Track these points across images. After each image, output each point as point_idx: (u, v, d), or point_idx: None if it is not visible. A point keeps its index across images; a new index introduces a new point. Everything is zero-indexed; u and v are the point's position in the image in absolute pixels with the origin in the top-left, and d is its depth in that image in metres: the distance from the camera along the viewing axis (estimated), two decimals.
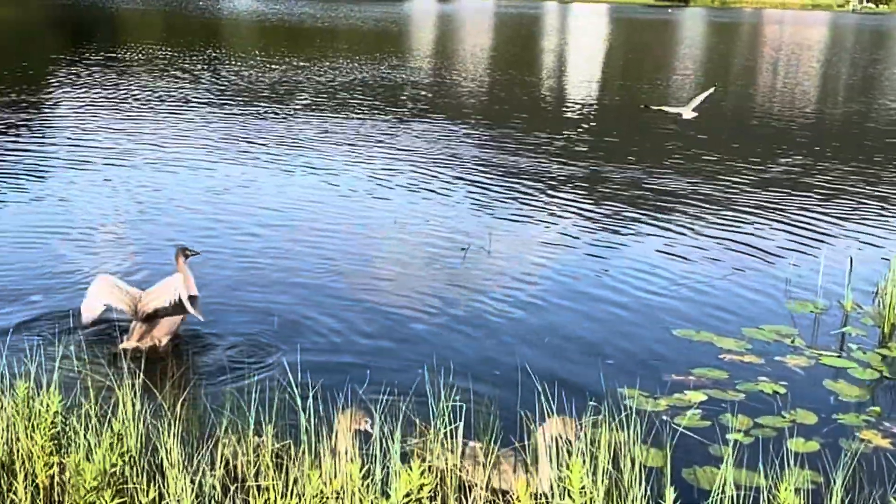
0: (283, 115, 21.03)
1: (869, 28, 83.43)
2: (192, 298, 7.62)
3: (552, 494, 5.14)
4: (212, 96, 23.51)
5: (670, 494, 5.32)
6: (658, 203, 13.95)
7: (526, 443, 5.81)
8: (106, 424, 5.37)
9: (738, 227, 12.73)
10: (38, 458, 5.25)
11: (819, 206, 14.20)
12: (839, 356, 8.35)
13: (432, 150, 17.41)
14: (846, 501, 5.32)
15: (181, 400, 5.72)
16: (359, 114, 21.59)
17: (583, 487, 4.90)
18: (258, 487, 5.05)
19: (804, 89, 32.77)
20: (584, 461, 5.06)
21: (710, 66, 41.46)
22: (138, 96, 22.80)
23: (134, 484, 5.13)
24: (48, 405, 5.35)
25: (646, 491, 5.33)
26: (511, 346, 8.22)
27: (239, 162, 15.78)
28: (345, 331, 8.40)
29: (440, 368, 6.75)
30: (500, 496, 5.17)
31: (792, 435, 6.72)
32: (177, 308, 7.50)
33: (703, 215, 13.27)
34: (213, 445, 5.38)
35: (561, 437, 5.43)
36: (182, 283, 7.57)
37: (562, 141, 19.36)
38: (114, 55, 32.61)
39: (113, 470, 5.07)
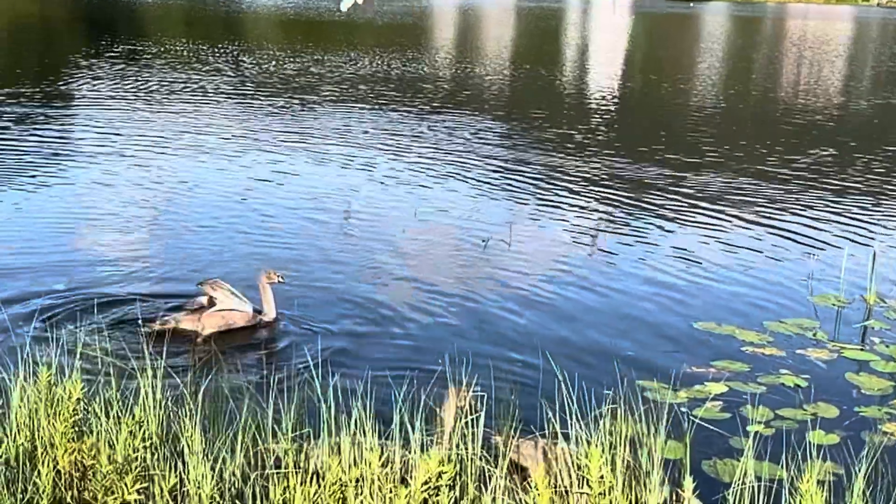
0: (305, 108, 21.07)
1: (894, 23, 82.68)
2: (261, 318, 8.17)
3: (570, 483, 5.12)
4: (233, 89, 23.59)
5: (689, 485, 5.30)
6: (679, 197, 13.88)
7: (546, 432, 5.81)
8: (127, 411, 5.40)
9: (761, 220, 12.66)
10: (60, 444, 5.28)
11: (842, 200, 14.10)
12: (861, 349, 8.29)
13: (452, 143, 17.40)
14: (867, 494, 5.28)
15: (202, 388, 5.73)
16: (379, 106, 21.61)
17: (601, 477, 4.89)
18: (278, 475, 5.06)
19: (828, 84, 32.53)
20: (602, 451, 5.04)
21: (733, 61, 41.21)
22: (160, 89, 22.90)
23: (155, 470, 5.15)
24: (70, 392, 5.38)
25: (664, 481, 5.32)
26: (531, 336, 8.21)
27: (260, 153, 15.83)
28: (365, 319, 8.42)
29: (460, 358, 6.74)
30: (519, 484, 5.16)
31: (813, 427, 6.68)
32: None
33: (725, 209, 13.20)
34: (234, 433, 5.39)
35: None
36: (241, 317, 8.09)
37: (583, 135, 19.30)
38: (135, 48, 32.76)
39: (134, 456, 5.10)
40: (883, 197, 14.39)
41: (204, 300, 8.10)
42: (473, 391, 5.72)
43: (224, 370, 7.13)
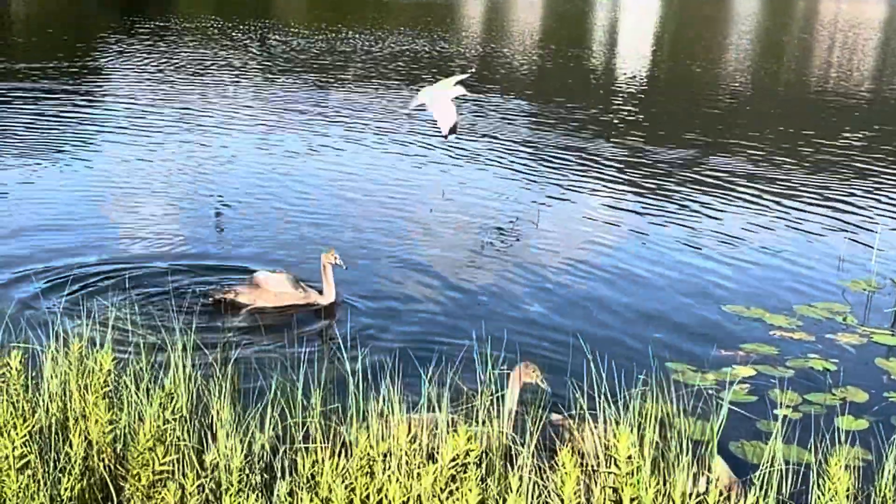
0: (332, 86, 21.07)
1: None
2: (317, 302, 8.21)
3: (598, 463, 5.12)
4: (261, 66, 23.62)
5: (717, 467, 5.29)
6: (710, 180, 13.78)
7: (574, 412, 5.81)
8: (157, 384, 5.45)
9: (792, 204, 12.55)
10: (92, 415, 5.33)
11: (874, 184, 13.95)
12: (892, 334, 8.22)
13: (480, 123, 17.35)
14: None
15: (231, 361, 5.78)
16: (407, 85, 21.56)
17: (629, 457, 4.88)
18: (306, 449, 5.09)
19: (861, 68, 32.13)
20: (631, 431, 5.03)
21: (764, 43, 40.77)
22: (188, 66, 22.96)
23: (185, 442, 5.20)
24: (101, 364, 5.42)
25: (692, 463, 5.30)
26: (560, 317, 8.20)
27: (288, 130, 15.86)
28: (393, 298, 8.44)
29: (488, 337, 6.75)
30: (547, 463, 5.16)
31: (842, 412, 6.64)
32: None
33: (756, 193, 13.10)
34: (263, 407, 5.42)
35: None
36: (294, 296, 8.16)
37: (612, 117, 19.19)
38: (164, 25, 32.84)
39: (164, 428, 5.14)
40: None
41: (263, 277, 8.13)
42: (500, 370, 5.73)
43: (253, 344, 7.18)
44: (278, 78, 21.90)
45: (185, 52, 25.46)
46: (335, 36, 31.51)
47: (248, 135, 15.49)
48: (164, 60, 23.73)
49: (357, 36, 31.80)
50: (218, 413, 5.24)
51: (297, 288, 8.13)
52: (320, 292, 8.16)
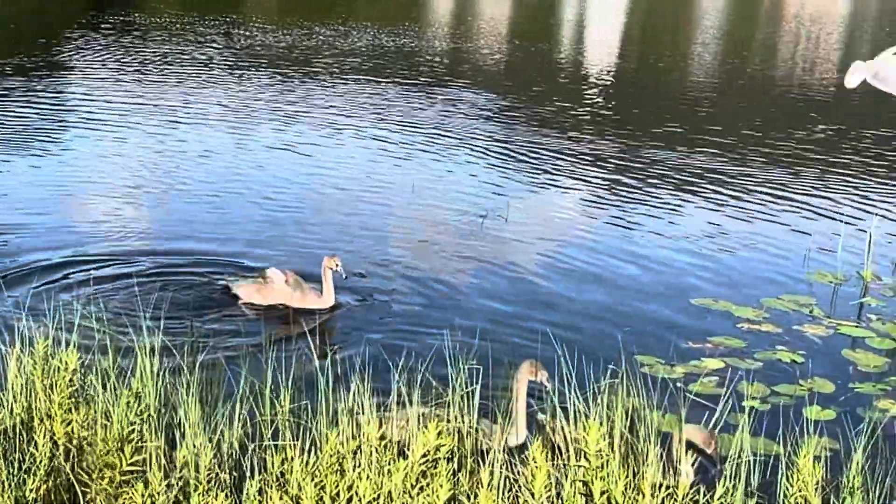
0: (299, 80, 20.96)
1: (892, 1, 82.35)
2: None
3: (568, 456, 5.13)
4: (228, 60, 23.43)
5: (686, 459, 5.32)
6: (677, 174, 13.86)
7: (545, 405, 5.82)
8: (124, 383, 5.39)
9: (759, 198, 12.65)
10: (57, 415, 5.27)
11: (839, 177, 14.09)
12: (858, 326, 8.31)
13: (450, 119, 17.33)
14: (864, 469, 5.29)
15: (199, 360, 5.73)
16: (374, 80, 21.49)
17: (599, 450, 4.89)
18: (276, 446, 5.06)
19: (825, 63, 32.43)
20: (600, 424, 5.05)
21: (730, 37, 41.05)
22: (155, 60, 22.74)
23: (152, 442, 5.15)
24: (67, 363, 5.36)
25: (661, 455, 5.33)
26: (529, 311, 8.21)
27: (254, 125, 15.76)
28: (363, 293, 8.40)
29: (458, 332, 6.75)
30: (517, 457, 5.17)
31: (809, 403, 6.71)
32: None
33: (723, 187, 13.19)
34: (231, 405, 5.38)
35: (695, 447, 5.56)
36: (290, 297, 8.07)
37: (580, 112, 19.24)
38: (129, 19, 32.51)
39: (131, 428, 5.09)
40: (880, 175, 14.39)
41: (271, 274, 8.06)
42: (469, 366, 5.72)
43: (222, 342, 7.12)
44: (246, 73, 21.75)
45: (152, 48, 25.22)
46: (303, 31, 31.32)
47: (215, 130, 15.38)
48: (130, 55, 23.49)
49: (325, 31, 31.65)
50: (186, 412, 5.19)
51: (298, 289, 8.04)
52: (320, 294, 8.09)
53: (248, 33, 29.96)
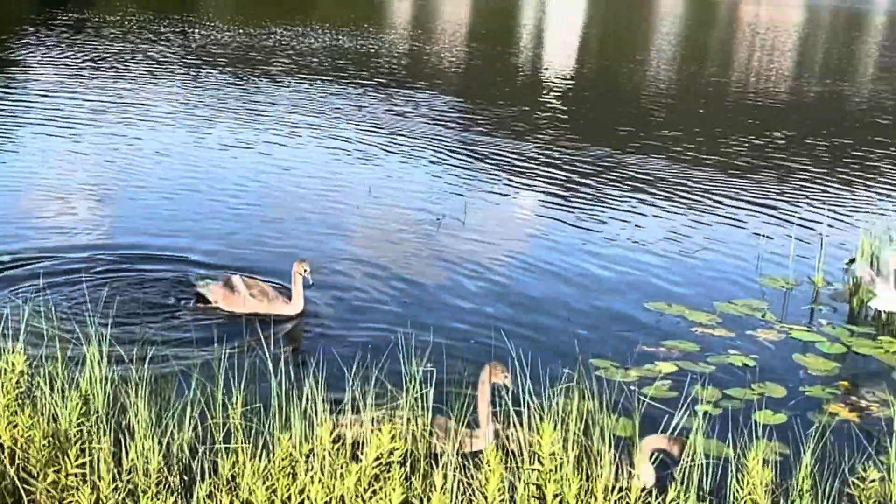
0: (255, 81, 20.81)
1: (844, 11, 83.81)
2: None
3: (522, 460, 5.13)
4: (183, 59, 23.21)
5: (639, 462, 5.34)
6: (633, 180, 13.95)
7: (499, 408, 5.81)
8: (72, 384, 5.30)
9: (713, 203, 12.77)
10: (3, 417, 5.17)
11: (793, 184, 14.27)
12: (808, 330, 8.41)
13: (408, 120, 17.31)
14: (813, 472, 5.35)
15: (149, 361, 5.65)
16: (331, 82, 21.40)
17: (553, 453, 4.90)
18: (227, 450, 5.00)
19: (779, 70, 32.88)
20: (554, 428, 5.05)
21: (687, 45, 41.48)
22: (109, 58, 22.45)
23: (100, 445, 5.06)
24: (14, 364, 5.26)
25: (615, 458, 5.35)
26: (485, 314, 8.21)
27: (211, 125, 15.61)
28: (317, 296, 8.34)
29: (412, 335, 6.72)
30: (471, 460, 5.15)
31: (760, 407, 6.76)
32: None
33: (678, 193, 13.30)
34: (182, 407, 5.31)
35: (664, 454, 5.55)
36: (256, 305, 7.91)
37: (538, 115, 19.31)
38: (83, 17, 32.09)
39: (78, 430, 5.00)
40: (831, 181, 14.59)
41: (236, 281, 7.93)
42: (424, 368, 5.70)
43: (173, 343, 7.03)
44: (203, 72, 21.55)
45: (107, 46, 24.90)
46: (260, 31, 31.12)
47: (171, 129, 15.21)
48: (84, 53, 23.17)
49: (282, 31, 31.47)
50: (135, 414, 5.11)
51: (265, 298, 7.89)
52: (289, 299, 7.97)
53: (204, 33, 29.71)
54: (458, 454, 5.09)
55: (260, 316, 7.78)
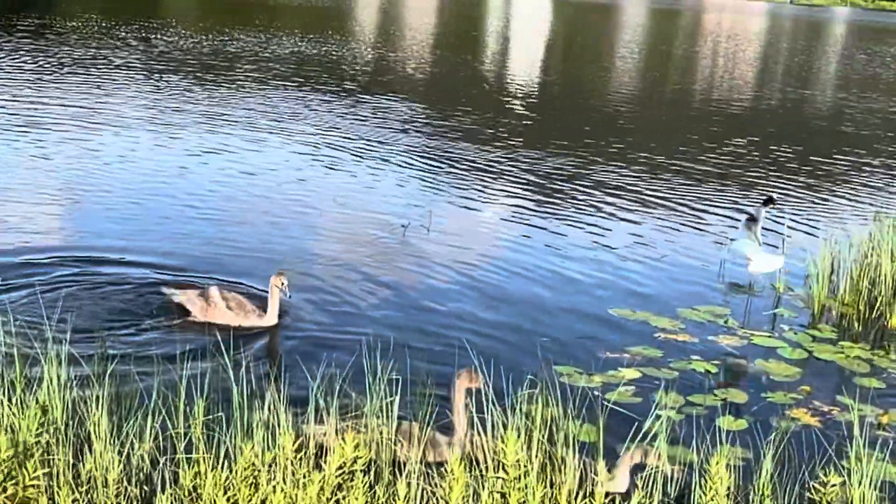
0: (222, 88, 20.69)
1: (805, 19, 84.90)
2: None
3: (486, 468, 5.13)
4: (149, 66, 23.03)
5: (603, 468, 5.35)
6: (598, 187, 14.02)
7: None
8: (31, 395, 5.22)
9: (676, 210, 12.87)
10: None
11: (756, 190, 14.41)
12: (770, 336, 8.48)
13: (373, 129, 17.28)
14: (775, 477, 5.40)
15: (109, 371, 5.57)
16: (299, 89, 21.34)
17: (517, 461, 4.90)
18: (188, 460, 4.95)
19: (742, 78, 33.23)
20: (519, 435, 5.05)
21: (650, 54, 41.82)
22: (72, 64, 22.23)
23: (59, 456, 4.99)
24: None
25: (579, 465, 5.36)
26: (449, 322, 8.19)
27: (176, 132, 15.49)
28: (281, 304, 8.28)
29: (377, 343, 6.70)
30: (435, 469, 5.14)
31: (723, 413, 6.81)
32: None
33: (641, 200, 13.38)
34: (143, 417, 5.25)
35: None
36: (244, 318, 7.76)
37: (502, 123, 19.37)
38: (44, 23, 31.76)
39: (36, 441, 4.93)
40: (792, 188, 14.75)
41: (213, 293, 7.82)
42: (389, 377, 5.68)
43: (133, 353, 6.94)
44: (166, 79, 21.40)
45: (69, 52, 24.65)
46: (224, 38, 30.98)
47: (135, 135, 15.06)
48: (46, 59, 22.91)
49: (246, 38, 31.34)
50: (94, 424, 5.05)
51: (241, 310, 7.76)
52: (263, 313, 7.85)
53: (168, 39, 29.51)
54: (428, 462, 5.07)
55: (235, 328, 7.66)
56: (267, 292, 7.83)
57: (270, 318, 7.74)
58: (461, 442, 5.73)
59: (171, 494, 4.70)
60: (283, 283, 7.64)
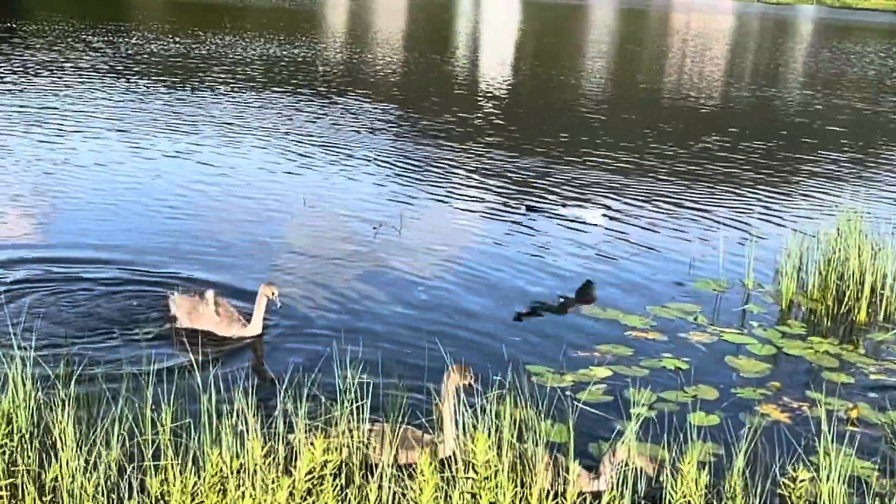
0: (190, 91, 20.55)
1: (772, 18, 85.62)
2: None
3: (457, 469, 5.11)
4: (116, 69, 22.83)
5: (574, 467, 5.35)
6: (568, 185, 14.05)
7: (433, 417, 5.78)
8: None
9: (646, 209, 12.91)
10: None
11: (723, 188, 14.49)
12: (740, 333, 8.52)
13: (343, 131, 17.23)
14: (746, 473, 5.42)
15: (75, 378, 5.51)
16: (268, 91, 21.24)
17: (487, 461, 4.88)
18: (156, 467, 4.90)
19: (710, 77, 33.43)
20: (489, 435, 5.04)
21: (619, 54, 42.00)
22: (38, 67, 21.99)
23: (25, 465, 4.93)
24: None
25: (550, 464, 5.35)
26: (419, 323, 8.17)
27: (145, 135, 15.35)
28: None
29: (347, 345, 6.67)
30: (405, 471, 5.11)
31: (693, 409, 6.83)
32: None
33: (611, 199, 13.41)
34: (110, 424, 5.19)
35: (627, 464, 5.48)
36: (225, 325, 7.64)
37: (473, 124, 19.36)
38: (11, 26, 31.41)
39: (1, 450, 4.86)
40: (761, 185, 14.85)
41: (208, 298, 7.73)
42: (358, 380, 5.65)
43: (99, 359, 6.86)
44: (135, 81, 21.22)
45: (33, 55, 24.39)
46: (192, 40, 30.78)
47: (104, 139, 14.92)
48: (10, 62, 22.65)
49: (215, 40, 31.16)
50: (61, 432, 4.99)
51: (226, 317, 7.64)
52: (247, 323, 7.73)
53: (135, 42, 29.28)
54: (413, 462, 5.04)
55: (219, 336, 7.55)
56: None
57: (254, 328, 7.63)
58: (451, 440, 5.68)
59: (139, 502, 4.66)
60: (273, 293, 7.52)
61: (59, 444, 4.97)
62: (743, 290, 9.66)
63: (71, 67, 22.64)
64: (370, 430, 5.59)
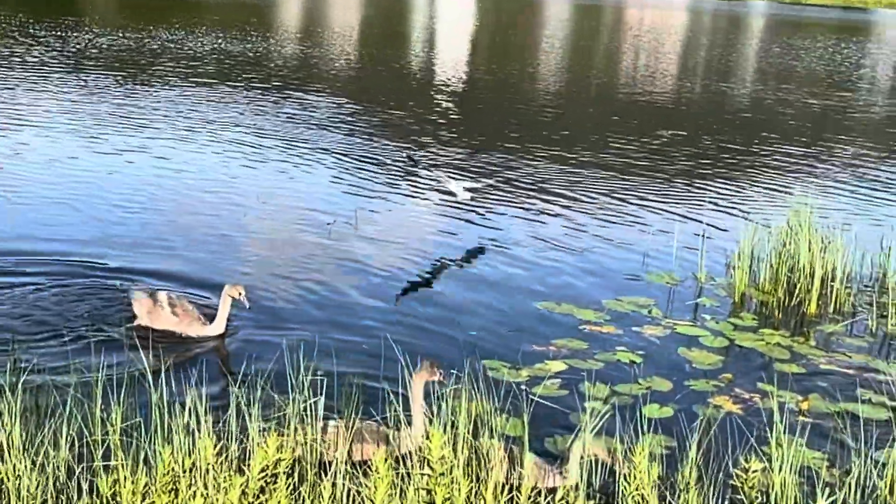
0: (143, 86, 20.28)
1: (724, 14, 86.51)
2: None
3: (412, 465, 5.09)
4: (66, 64, 22.47)
5: (529, 461, 5.36)
6: (523, 181, 14.08)
7: (388, 415, 5.76)
8: None
9: (598, 203, 12.98)
10: None
11: (675, 183, 14.62)
12: (693, 325, 8.60)
13: (297, 126, 17.11)
14: (699, 464, 5.46)
15: (22, 377, 5.40)
16: (222, 86, 21.02)
17: (442, 457, 4.87)
18: (106, 467, 4.83)
19: (664, 72, 33.70)
20: (444, 431, 5.03)
21: (573, 49, 42.19)
22: None
23: None
24: None
25: (505, 459, 5.35)
26: (374, 319, 8.14)
27: (93, 134, 15.13)
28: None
29: (300, 342, 6.61)
30: (360, 468, 5.08)
31: (647, 402, 6.87)
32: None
33: (565, 193, 13.46)
34: (58, 425, 5.10)
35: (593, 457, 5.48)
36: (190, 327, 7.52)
37: (428, 119, 19.34)
38: None
39: None
40: (713, 179, 15.00)
41: (163, 297, 7.56)
42: (313, 376, 5.61)
43: (46, 357, 6.74)
44: (84, 77, 20.89)
45: None
46: (143, 35, 30.37)
47: (54, 134, 14.68)
48: None
49: (166, 35, 30.79)
50: (7, 433, 4.89)
51: (186, 317, 7.50)
52: (209, 322, 7.59)
53: (85, 37, 28.83)
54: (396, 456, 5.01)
55: (179, 335, 7.44)
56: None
57: (217, 328, 7.49)
58: (420, 435, 5.63)
59: (89, 502, 4.58)
60: (240, 294, 7.37)
61: (5, 446, 4.87)
62: (696, 283, 9.75)
63: (18, 62, 22.25)
64: (324, 427, 5.56)
